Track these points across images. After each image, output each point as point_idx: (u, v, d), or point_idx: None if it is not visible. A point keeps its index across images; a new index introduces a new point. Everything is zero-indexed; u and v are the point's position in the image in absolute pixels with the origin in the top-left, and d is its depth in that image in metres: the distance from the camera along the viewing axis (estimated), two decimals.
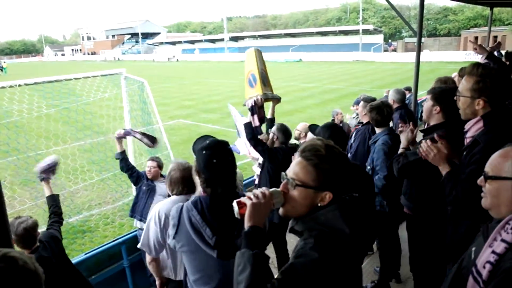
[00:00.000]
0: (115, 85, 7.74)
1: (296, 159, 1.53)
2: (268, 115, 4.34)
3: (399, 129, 3.13)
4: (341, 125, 6.33)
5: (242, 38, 75.81)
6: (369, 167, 3.74)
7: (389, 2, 5.89)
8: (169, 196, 2.87)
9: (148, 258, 2.77)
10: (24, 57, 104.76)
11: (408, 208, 3.17)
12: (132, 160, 7.24)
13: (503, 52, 7.00)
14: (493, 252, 1.34)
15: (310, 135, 3.95)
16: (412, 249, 3.32)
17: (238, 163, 2.17)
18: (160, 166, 4.76)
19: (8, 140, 7.60)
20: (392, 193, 3.53)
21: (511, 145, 1.44)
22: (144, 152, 8.05)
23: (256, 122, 3.90)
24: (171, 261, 2.82)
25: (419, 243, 3.18)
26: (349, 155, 4.29)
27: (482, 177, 1.49)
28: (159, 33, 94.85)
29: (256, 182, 4.48)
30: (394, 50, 52.78)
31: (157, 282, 2.94)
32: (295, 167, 1.50)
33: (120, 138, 4.62)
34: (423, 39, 43.65)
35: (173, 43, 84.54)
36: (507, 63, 5.67)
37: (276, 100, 4.33)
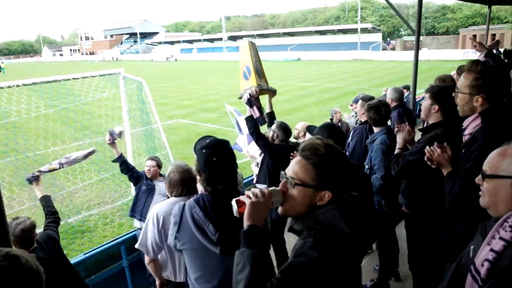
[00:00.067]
0: (114, 85, 7.73)
1: (296, 158, 1.53)
2: (267, 109, 4.32)
3: (395, 129, 3.13)
4: (339, 124, 6.34)
5: (241, 37, 75.66)
6: (367, 167, 3.74)
7: (387, 1, 5.89)
8: (168, 197, 2.87)
9: (146, 259, 2.77)
10: (22, 57, 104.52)
11: (406, 207, 3.18)
12: (130, 160, 7.25)
13: (501, 50, 7.01)
14: (491, 250, 1.34)
15: (309, 135, 3.94)
16: (411, 247, 3.33)
17: (237, 162, 2.17)
18: (159, 165, 4.78)
19: (6, 141, 7.59)
20: (390, 192, 3.53)
21: (509, 143, 1.44)
22: (143, 152, 8.06)
23: (256, 113, 3.88)
24: (170, 263, 2.82)
25: (417, 241, 3.19)
26: (346, 154, 4.29)
27: (480, 176, 1.49)
28: (157, 33, 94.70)
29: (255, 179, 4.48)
30: (393, 49, 52.79)
31: (157, 282, 2.94)
32: (294, 166, 1.50)
33: (113, 143, 4.65)
34: (421, 38, 43.67)
35: (172, 43, 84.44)
36: (506, 61, 5.67)
37: (272, 92, 4.31)
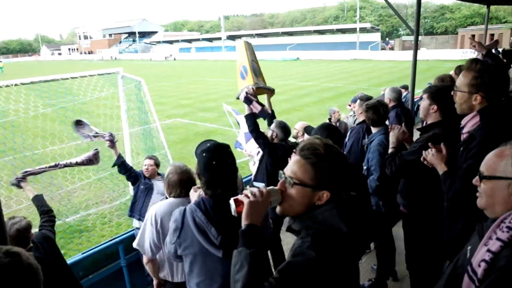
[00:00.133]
0: (112, 84, 7.72)
1: (294, 157, 1.53)
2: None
3: (390, 130, 3.13)
4: (338, 123, 6.35)
5: (240, 36, 75.62)
6: (365, 167, 3.75)
7: (386, 1, 5.89)
8: (166, 197, 2.86)
9: (145, 258, 2.77)
10: (20, 56, 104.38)
11: (404, 207, 3.18)
12: (129, 159, 7.25)
13: (500, 50, 7.03)
14: (488, 250, 1.34)
15: (307, 135, 3.94)
16: (408, 247, 3.33)
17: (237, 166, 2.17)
18: (157, 164, 4.77)
19: (4, 140, 7.58)
20: (388, 193, 3.54)
21: (506, 144, 1.44)
22: (141, 151, 8.05)
23: (257, 107, 3.87)
24: (167, 263, 2.82)
25: (415, 241, 3.19)
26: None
27: (477, 177, 1.49)
28: (156, 32, 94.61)
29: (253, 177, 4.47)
30: (392, 49, 52.88)
31: (154, 282, 2.94)
32: (293, 166, 1.50)
33: (113, 145, 4.62)
34: (420, 37, 43.55)
35: (170, 42, 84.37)
36: (505, 60, 5.69)
37: (270, 92, 4.30)
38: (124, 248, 4.05)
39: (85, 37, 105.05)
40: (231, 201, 1.52)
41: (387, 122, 3.93)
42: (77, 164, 4.03)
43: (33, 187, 3.67)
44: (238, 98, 3.99)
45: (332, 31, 63.68)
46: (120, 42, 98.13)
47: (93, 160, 4.06)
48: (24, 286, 1.34)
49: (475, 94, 2.23)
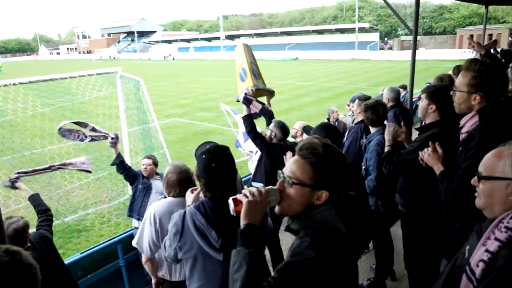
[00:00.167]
0: (111, 84, 7.71)
1: (293, 157, 1.53)
2: None
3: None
4: (336, 123, 6.35)
5: (238, 36, 75.66)
6: (363, 167, 3.75)
7: (385, 1, 5.90)
8: (165, 196, 2.86)
9: (144, 258, 2.77)
10: (19, 56, 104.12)
11: (403, 206, 3.19)
12: (127, 159, 7.24)
13: (498, 49, 7.04)
14: (486, 250, 1.34)
15: (306, 135, 3.95)
16: (407, 246, 3.34)
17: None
18: (155, 163, 4.77)
19: (2, 139, 7.54)
20: (386, 193, 3.54)
21: (505, 144, 1.44)
22: (140, 151, 8.04)
23: (258, 106, 3.86)
24: (166, 262, 2.82)
25: (413, 240, 3.19)
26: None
27: (475, 177, 1.49)
28: (155, 32, 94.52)
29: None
30: (390, 48, 52.89)
31: (153, 281, 2.94)
32: (292, 165, 1.50)
33: (114, 145, 4.62)
34: (418, 37, 43.57)
35: (169, 42, 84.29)
36: (503, 60, 5.70)
37: (270, 93, 4.30)
38: (122, 247, 4.05)
39: (84, 37, 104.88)
40: (230, 201, 1.52)
41: (385, 122, 3.92)
42: (70, 164, 4.00)
43: (31, 187, 3.65)
44: (238, 101, 3.98)
45: (330, 31, 63.69)
46: (119, 42, 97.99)
47: (88, 169, 4.05)
48: (24, 284, 1.35)
49: (474, 94, 2.23)
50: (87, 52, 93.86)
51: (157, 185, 4.60)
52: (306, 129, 3.48)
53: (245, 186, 1.61)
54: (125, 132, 7.68)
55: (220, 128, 13.26)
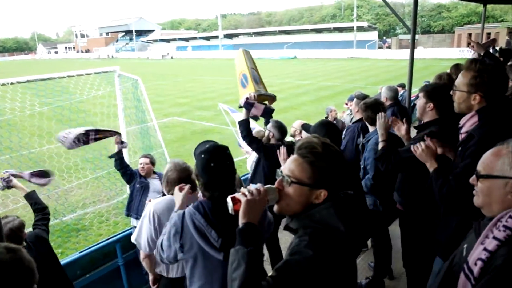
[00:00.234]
0: (109, 83, 7.70)
1: (292, 156, 1.53)
2: None
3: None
4: (335, 122, 6.36)
5: (237, 35, 75.64)
6: (362, 166, 3.75)
7: None
8: (164, 194, 2.86)
9: (142, 254, 2.77)
10: (16, 55, 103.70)
11: (401, 204, 3.19)
12: (126, 158, 7.22)
13: (497, 48, 7.05)
14: (484, 249, 1.34)
15: (305, 133, 3.95)
16: (405, 245, 3.34)
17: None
18: (152, 162, 4.75)
19: (1, 139, 7.53)
20: (384, 192, 3.54)
21: (503, 143, 1.44)
22: (139, 150, 8.03)
23: (260, 107, 3.86)
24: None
25: (411, 239, 3.20)
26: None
27: (474, 176, 1.49)
28: (153, 31, 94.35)
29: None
30: (389, 47, 52.90)
31: (150, 278, 2.95)
32: (290, 164, 1.50)
33: (121, 145, 4.58)
34: (417, 36, 43.73)
35: (167, 41, 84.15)
36: (501, 59, 5.72)
37: (271, 98, 4.31)
38: (121, 247, 4.05)
39: (82, 36, 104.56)
40: (229, 199, 1.52)
41: None
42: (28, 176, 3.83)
43: (28, 186, 3.62)
44: (241, 106, 3.97)
45: (329, 30, 63.68)
46: (117, 41, 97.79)
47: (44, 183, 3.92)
48: (25, 281, 1.37)
49: (474, 94, 2.23)
50: (85, 51, 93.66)
51: (155, 184, 4.60)
52: (305, 127, 3.47)
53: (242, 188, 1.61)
54: (124, 131, 7.66)
55: (219, 127, 13.25)
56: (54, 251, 3.16)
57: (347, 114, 6.93)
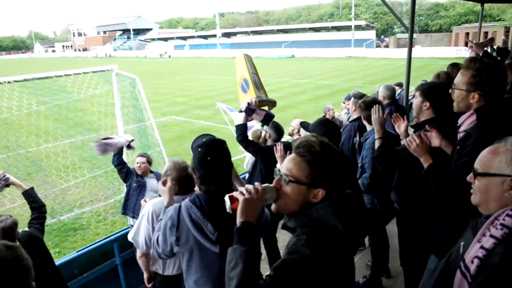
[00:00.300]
0: (107, 82, 7.68)
1: (290, 155, 1.53)
2: None
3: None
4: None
5: (235, 34, 75.58)
6: (359, 165, 3.75)
7: None
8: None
9: (138, 252, 2.77)
10: (14, 53, 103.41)
11: (398, 203, 3.19)
12: (124, 157, 7.20)
13: (494, 47, 7.07)
14: (481, 247, 1.34)
15: (303, 132, 3.95)
16: (402, 244, 3.35)
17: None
18: (149, 161, 4.76)
19: None
20: (382, 191, 3.55)
21: (500, 141, 1.44)
22: (137, 149, 8.01)
23: (261, 113, 3.85)
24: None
25: (409, 237, 3.20)
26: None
27: (471, 174, 1.50)
28: (151, 29, 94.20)
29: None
30: (386, 46, 52.97)
31: (145, 276, 2.94)
32: (288, 163, 1.50)
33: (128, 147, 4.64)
34: (414, 35, 43.86)
35: (165, 39, 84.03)
36: (499, 58, 5.73)
37: (272, 104, 4.30)
38: (119, 246, 4.04)
39: (79, 34, 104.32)
40: (226, 198, 1.52)
41: None
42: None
43: (26, 185, 3.60)
44: (241, 111, 3.96)
45: (327, 29, 63.73)
46: (115, 39, 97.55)
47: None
48: (25, 278, 1.39)
49: (473, 93, 2.24)
50: (83, 50, 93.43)
51: (151, 183, 4.59)
52: (303, 125, 3.47)
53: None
54: (121, 130, 7.65)
55: (217, 126, 13.25)
56: (48, 251, 3.11)
57: (345, 113, 6.94)
